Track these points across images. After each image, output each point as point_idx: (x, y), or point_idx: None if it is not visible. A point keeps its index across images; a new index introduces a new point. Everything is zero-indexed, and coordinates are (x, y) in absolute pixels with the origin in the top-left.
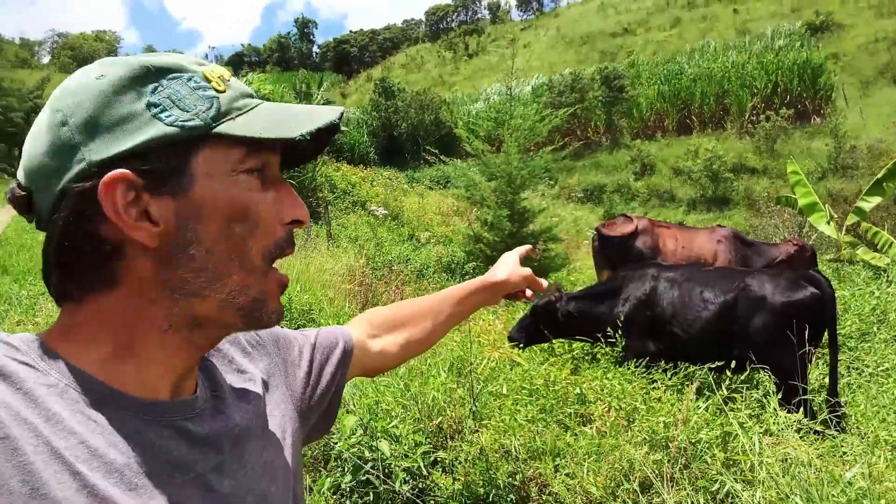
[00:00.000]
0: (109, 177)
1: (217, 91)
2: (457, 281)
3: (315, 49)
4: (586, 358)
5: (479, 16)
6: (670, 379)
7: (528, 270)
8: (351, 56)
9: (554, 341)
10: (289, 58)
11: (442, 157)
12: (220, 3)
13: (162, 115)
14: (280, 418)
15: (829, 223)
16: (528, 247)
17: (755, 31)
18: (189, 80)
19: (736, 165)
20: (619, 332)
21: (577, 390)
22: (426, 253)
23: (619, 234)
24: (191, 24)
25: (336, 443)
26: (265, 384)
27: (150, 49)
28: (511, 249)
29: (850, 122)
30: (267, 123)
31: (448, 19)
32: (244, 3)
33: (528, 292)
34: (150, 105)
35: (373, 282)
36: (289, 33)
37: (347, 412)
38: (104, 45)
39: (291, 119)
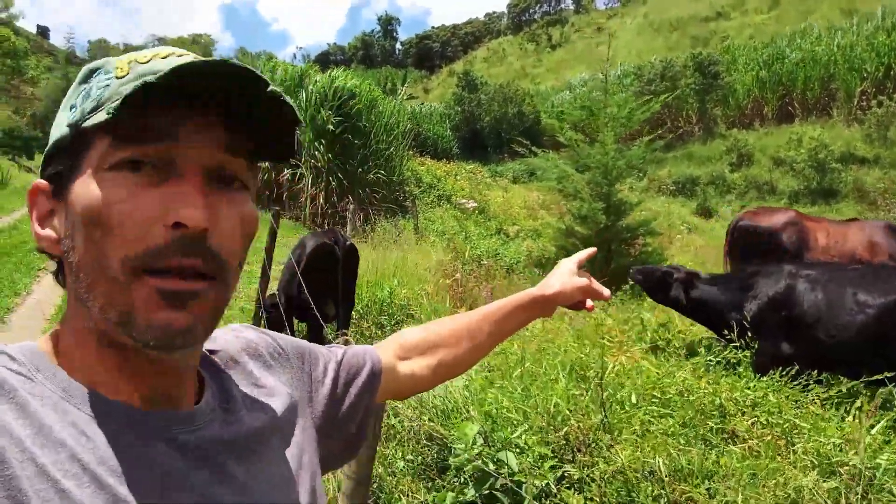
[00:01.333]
0: (33, 185)
1: (117, 77)
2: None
3: (398, 46)
4: (721, 362)
5: (563, 6)
6: (828, 391)
7: (584, 281)
8: (433, 52)
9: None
10: (372, 55)
11: (532, 147)
12: (309, 4)
13: (68, 115)
14: (300, 434)
15: None
16: (591, 250)
17: (863, 11)
18: (104, 74)
19: (844, 155)
20: (749, 333)
21: (718, 401)
22: (515, 247)
23: (766, 226)
24: (281, 25)
25: (453, 451)
26: (287, 397)
27: (242, 51)
28: (605, 243)
29: None
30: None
31: (531, 11)
32: (331, 3)
33: (589, 303)
34: (71, 107)
35: (464, 276)
36: (372, 31)
37: (465, 419)
38: (199, 47)
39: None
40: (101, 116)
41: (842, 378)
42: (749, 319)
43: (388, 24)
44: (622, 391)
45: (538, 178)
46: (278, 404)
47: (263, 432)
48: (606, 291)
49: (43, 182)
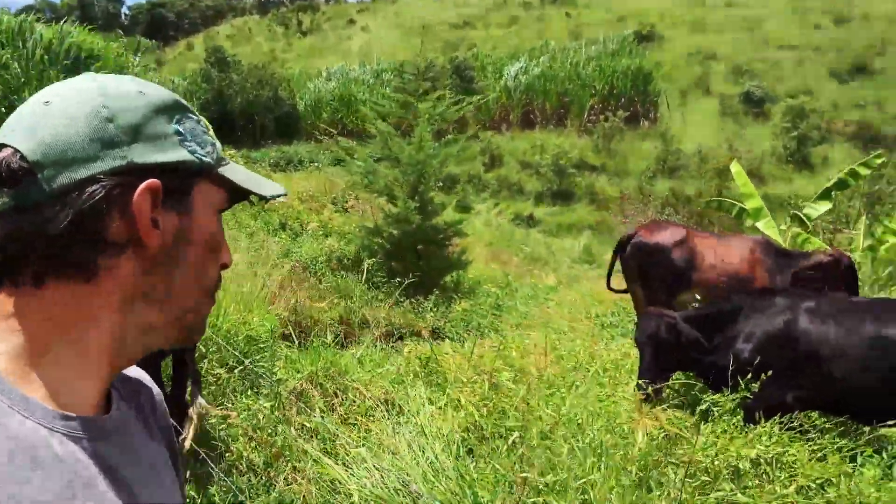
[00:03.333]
0: (151, 182)
1: (213, 139)
2: (357, 278)
3: (124, 10)
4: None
5: None
6: (855, 442)
7: None
8: (167, 21)
9: None
10: (92, 17)
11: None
12: None
13: (185, 144)
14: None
15: (787, 226)
16: None
17: (587, 36)
18: (199, 122)
19: (578, 162)
20: (739, 376)
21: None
22: (309, 245)
23: (657, 242)
24: None
25: None
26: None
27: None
28: (417, 244)
29: (672, 127)
30: (245, 178)
31: None
32: None
33: None
34: (177, 132)
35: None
36: None
37: None
38: None
39: (256, 180)
40: (231, 173)
41: (852, 422)
42: (740, 362)
43: None
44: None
45: (304, 167)
46: (161, 445)
47: (158, 456)
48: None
49: (159, 183)
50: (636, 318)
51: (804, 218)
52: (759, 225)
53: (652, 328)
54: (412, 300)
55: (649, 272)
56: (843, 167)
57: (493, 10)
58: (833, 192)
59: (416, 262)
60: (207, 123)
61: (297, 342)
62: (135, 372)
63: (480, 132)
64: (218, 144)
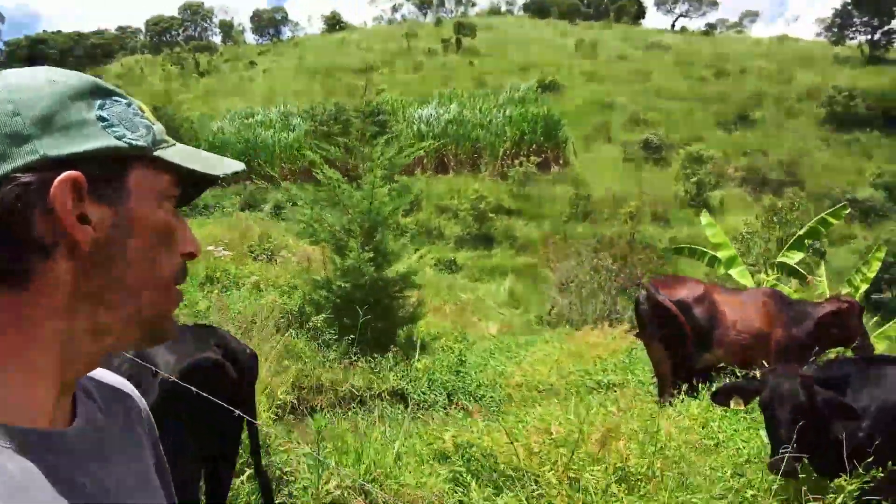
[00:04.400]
0: (68, 175)
1: (150, 122)
2: (303, 336)
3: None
4: None
5: (210, 34)
6: None
7: None
8: (49, 59)
9: None
10: None
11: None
12: None
13: (109, 130)
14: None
15: (767, 276)
16: None
17: (491, 84)
18: (130, 105)
19: (496, 206)
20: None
21: None
22: (244, 300)
23: (679, 299)
24: None
25: None
26: (150, 456)
27: None
28: (370, 297)
29: (579, 173)
30: (190, 157)
31: (173, 32)
32: None
33: None
34: (100, 118)
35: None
36: None
37: None
38: None
39: (207, 160)
40: (173, 156)
41: None
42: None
43: None
44: None
45: (209, 212)
46: (146, 453)
47: (141, 463)
48: None
49: (80, 174)
50: (655, 378)
51: (799, 267)
52: (733, 273)
53: (787, 390)
54: (368, 359)
55: (671, 331)
56: (742, 210)
57: (398, 55)
58: (805, 241)
59: (371, 317)
60: (143, 106)
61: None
62: (113, 378)
63: (397, 176)
64: (157, 126)
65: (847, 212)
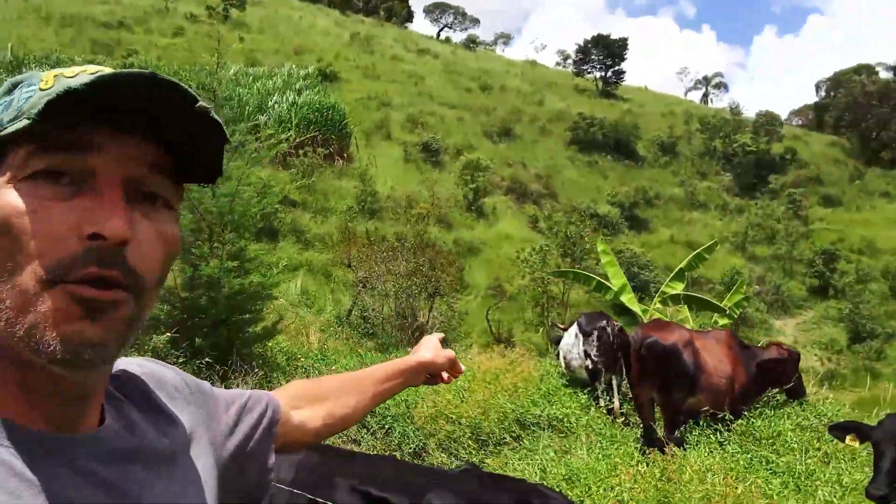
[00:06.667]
0: None
1: (41, 89)
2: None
3: None
4: None
5: None
6: None
7: (451, 352)
8: None
9: None
10: None
11: None
12: None
13: None
14: (202, 469)
15: (663, 303)
16: (441, 335)
17: (264, 64)
18: (27, 86)
19: (281, 198)
20: None
21: None
22: None
23: (673, 343)
24: None
25: None
26: (189, 429)
27: None
28: (227, 311)
29: (365, 169)
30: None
31: None
32: None
33: (445, 375)
34: None
35: None
36: None
37: None
38: None
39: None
40: (20, 124)
41: None
42: None
43: None
44: None
45: None
46: (181, 434)
47: (166, 455)
48: (463, 367)
49: None
50: (647, 423)
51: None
52: (624, 300)
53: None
54: (225, 382)
55: (669, 376)
56: (510, 218)
57: (154, 15)
58: (685, 273)
59: (226, 334)
60: (51, 72)
61: None
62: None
63: None
64: (37, 94)
65: (717, 247)
